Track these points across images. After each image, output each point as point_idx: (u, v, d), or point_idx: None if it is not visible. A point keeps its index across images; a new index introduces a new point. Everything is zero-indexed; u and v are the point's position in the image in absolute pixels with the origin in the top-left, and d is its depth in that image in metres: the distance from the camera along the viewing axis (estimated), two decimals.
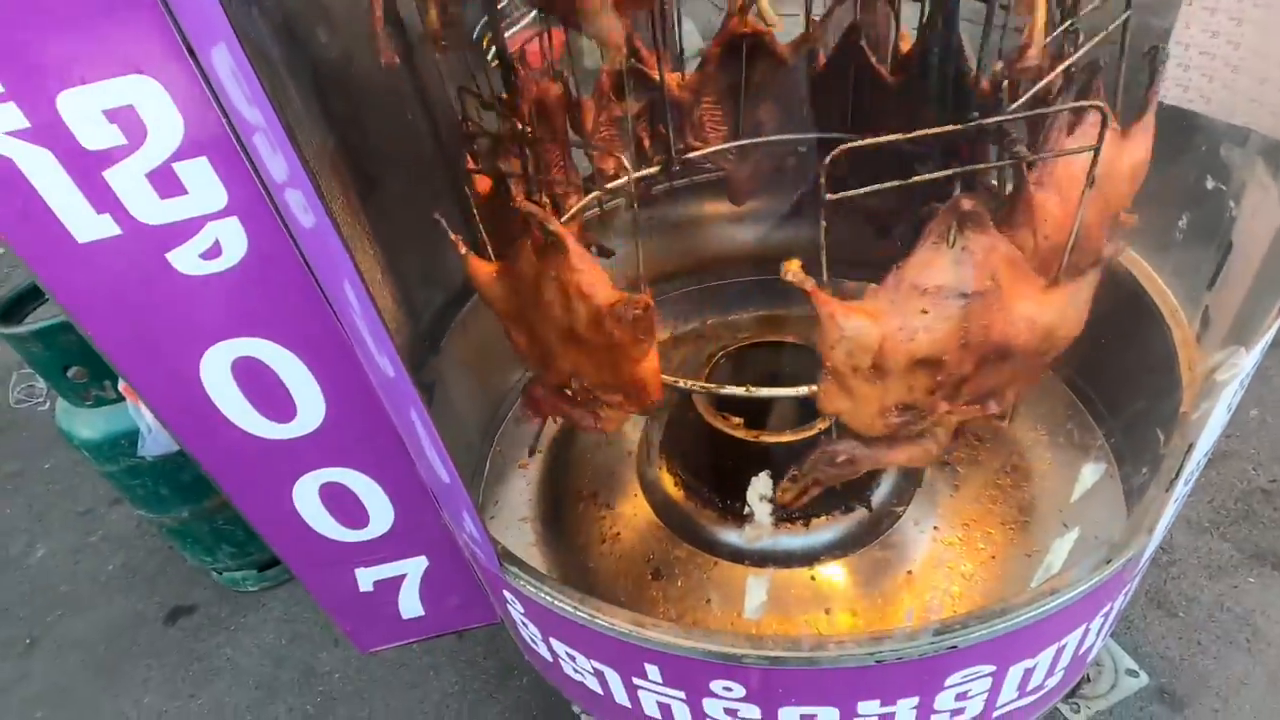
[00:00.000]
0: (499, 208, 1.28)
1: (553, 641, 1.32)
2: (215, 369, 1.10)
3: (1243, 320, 1.19)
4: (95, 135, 0.87)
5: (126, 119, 0.86)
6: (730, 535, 1.51)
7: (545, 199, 1.36)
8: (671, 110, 1.46)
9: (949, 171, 0.93)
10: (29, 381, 3.30)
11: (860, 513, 1.50)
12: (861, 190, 0.92)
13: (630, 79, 1.44)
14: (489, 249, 1.23)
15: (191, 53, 0.81)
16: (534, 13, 1.30)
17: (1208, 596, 2.07)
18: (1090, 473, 1.58)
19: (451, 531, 1.37)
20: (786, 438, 1.38)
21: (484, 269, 1.19)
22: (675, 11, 1.55)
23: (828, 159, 0.92)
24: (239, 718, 2.15)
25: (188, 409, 1.13)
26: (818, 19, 1.45)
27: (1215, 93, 1.26)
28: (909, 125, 0.93)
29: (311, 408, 1.17)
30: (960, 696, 1.19)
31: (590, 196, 1.44)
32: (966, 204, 0.90)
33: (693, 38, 1.92)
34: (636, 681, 1.24)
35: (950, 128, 0.96)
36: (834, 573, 1.47)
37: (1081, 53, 1.08)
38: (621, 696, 1.31)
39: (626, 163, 1.13)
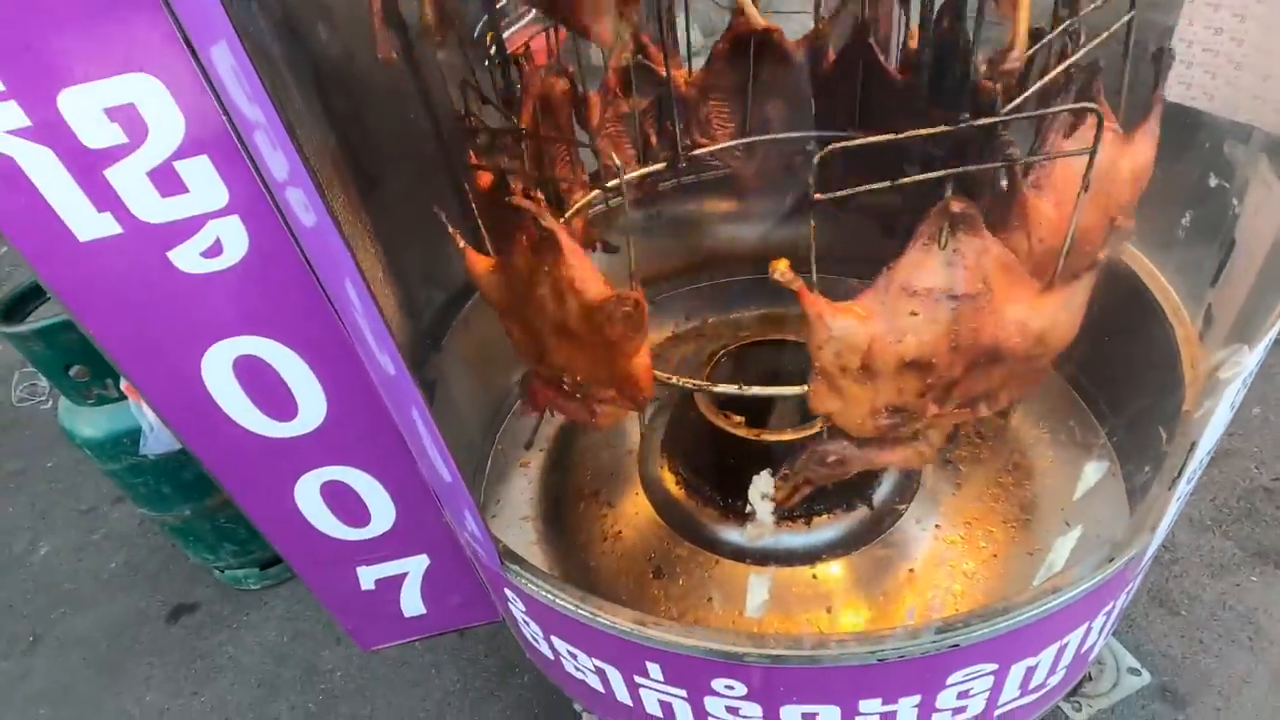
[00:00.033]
0: (499, 203, 1.28)
1: (554, 640, 1.32)
2: (217, 367, 1.10)
3: (1246, 318, 1.19)
4: (96, 134, 0.87)
5: (127, 117, 0.86)
6: (732, 534, 1.51)
7: (541, 195, 1.35)
8: (678, 107, 1.46)
9: (942, 173, 0.92)
10: (31, 380, 3.30)
11: (862, 511, 1.50)
12: (850, 191, 0.91)
13: (637, 75, 1.44)
14: (487, 244, 1.23)
15: (192, 51, 0.81)
16: (534, 11, 1.30)
17: (1210, 595, 2.07)
18: (1092, 471, 1.58)
19: (453, 530, 1.37)
20: (788, 436, 1.38)
21: (481, 263, 1.20)
22: (684, 8, 1.54)
23: (816, 159, 0.91)
24: (241, 716, 2.16)
25: (189, 407, 1.14)
26: (826, 17, 1.44)
27: (1218, 89, 1.26)
28: (916, 124, 0.93)
29: (313, 406, 1.18)
30: (962, 695, 1.19)
31: (590, 196, 1.44)
32: (957, 206, 0.90)
33: (693, 35, 1.92)
34: (638, 680, 1.24)
35: (940, 129, 0.95)
36: (836, 571, 1.47)
37: (1082, 53, 1.08)
38: (623, 695, 1.31)
39: (618, 160, 1.13)
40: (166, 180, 0.91)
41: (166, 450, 2.02)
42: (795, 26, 1.50)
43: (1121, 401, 1.61)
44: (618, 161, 1.13)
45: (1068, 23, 1.11)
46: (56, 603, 2.54)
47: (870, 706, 1.18)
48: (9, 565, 2.70)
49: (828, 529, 1.49)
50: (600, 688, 1.33)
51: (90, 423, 2.04)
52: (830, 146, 0.92)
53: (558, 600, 1.19)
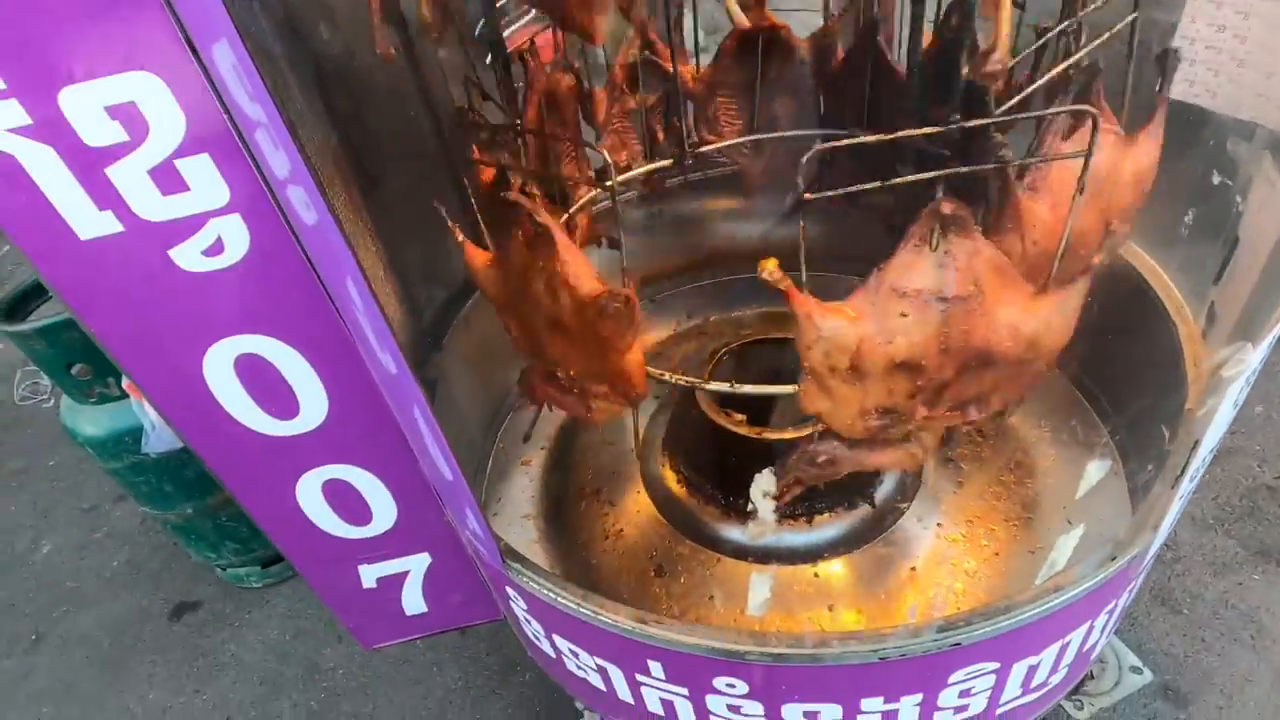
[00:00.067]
0: (497, 198, 1.28)
1: (556, 638, 1.32)
2: (218, 366, 1.10)
3: (1249, 316, 1.19)
4: (97, 132, 0.87)
5: (128, 115, 0.86)
6: (733, 532, 1.51)
7: (536, 191, 1.35)
8: (685, 103, 1.46)
9: (934, 174, 0.91)
10: (33, 379, 3.30)
11: (863, 509, 1.50)
12: (842, 191, 0.91)
13: (644, 71, 1.43)
14: (486, 238, 1.24)
15: (193, 49, 0.81)
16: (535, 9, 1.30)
17: (1212, 593, 2.06)
18: (1095, 469, 1.57)
19: (454, 528, 1.37)
20: (789, 434, 1.38)
21: (480, 257, 1.20)
22: (692, 5, 1.54)
23: (805, 159, 0.91)
24: (243, 714, 2.16)
25: (191, 406, 1.14)
26: (836, 14, 1.44)
27: (1221, 87, 1.25)
28: (924, 123, 0.92)
29: (314, 405, 1.18)
30: (964, 693, 1.19)
31: (591, 194, 1.44)
32: (947, 207, 0.89)
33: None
34: (639, 678, 1.24)
35: (930, 129, 0.94)
36: (837, 569, 1.47)
37: (1081, 54, 1.07)
38: (624, 693, 1.31)
39: (610, 159, 1.13)
40: (167, 179, 0.91)
41: (168, 449, 2.02)
42: (795, 25, 1.49)
43: (1124, 400, 1.61)
44: (610, 160, 1.12)
45: (1065, 23, 1.10)
46: (59, 601, 2.55)
47: (872, 705, 1.18)
48: (11, 564, 2.70)
49: (829, 527, 1.48)
50: (602, 686, 1.33)
51: (92, 421, 2.04)
52: (818, 147, 0.91)
53: (559, 599, 1.19)
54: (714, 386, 1.18)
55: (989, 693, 1.22)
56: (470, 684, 2.12)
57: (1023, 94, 1.01)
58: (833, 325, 0.96)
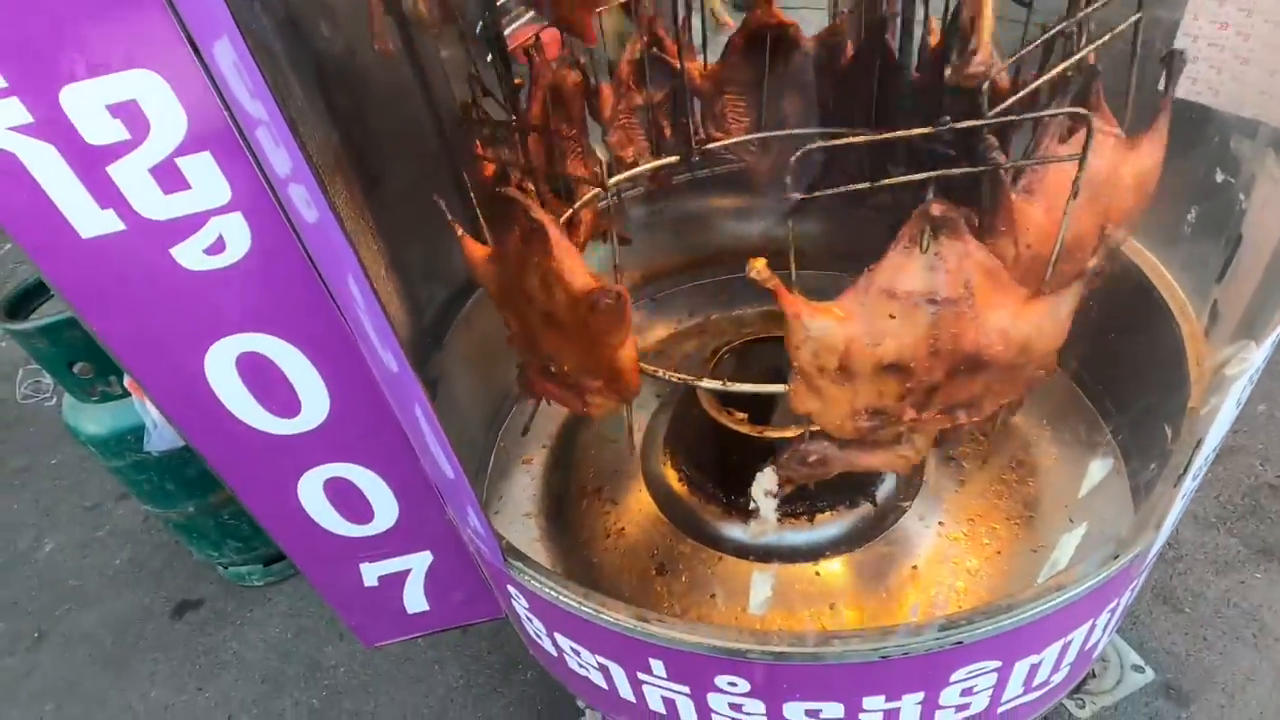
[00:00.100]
0: (496, 194, 1.29)
1: (557, 636, 1.32)
2: (220, 364, 1.10)
3: (1252, 314, 1.18)
4: (99, 130, 0.87)
5: (130, 114, 0.86)
6: (735, 530, 1.51)
7: (532, 187, 1.36)
8: (692, 100, 1.45)
9: (924, 175, 0.91)
10: (35, 377, 3.31)
11: (865, 508, 1.50)
12: (828, 192, 0.91)
13: (652, 67, 1.43)
14: (486, 233, 1.24)
15: (194, 47, 0.81)
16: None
17: (1214, 592, 2.06)
18: (1097, 468, 1.57)
19: (456, 527, 1.37)
20: (791, 433, 1.38)
21: (478, 251, 1.21)
22: (700, 2, 1.53)
23: (793, 159, 0.91)
24: (245, 711, 2.16)
25: (193, 404, 1.14)
26: (845, 11, 1.43)
27: (1224, 85, 1.25)
28: (928, 122, 0.92)
29: (316, 403, 1.18)
30: (965, 692, 1.19)
31: (590, 195, 1.44)
32: (937, 209, 0.89)
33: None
34: (641, 676, 1.24)
35: (920, 130, 0.93)
36: (839, 568, 1.47)
37: (1080, 55, 1.06)
38: (626, 691, 1.31)
39: (604, 157, 1.13)
40: (169, 177, 0.91)
41: (170, 447, 2.02)
42: (804, 22, 1.49)
43: (1126, 398, 1.60)
44: (605, 161, 1.13)
45: (1062, 24, 1.10)
46: (61, 599, 2.55)
47: (874, 703, 1.18)
48: (14, 562, 2.71)
49: (831, 526, 1.48)
50: (603, 684, 1.33)
51: (94, 420, 2.04)
52: (807, 147, 0.91)
53: (561, 597, 1.19)
54: (706, 384, 1.19)
55: (991, 691, 1.22)
56: (472, 682, 2.12)
57: (1017, 95, 1.00)
58: (820, 325, 0.96)
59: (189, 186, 0.92)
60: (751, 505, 1.43)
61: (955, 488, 1.57)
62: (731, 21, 1.39)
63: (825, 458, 1.15)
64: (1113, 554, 1.13)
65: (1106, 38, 1.07)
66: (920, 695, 1.17)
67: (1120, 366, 1.58)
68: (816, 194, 0.91)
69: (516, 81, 1.38)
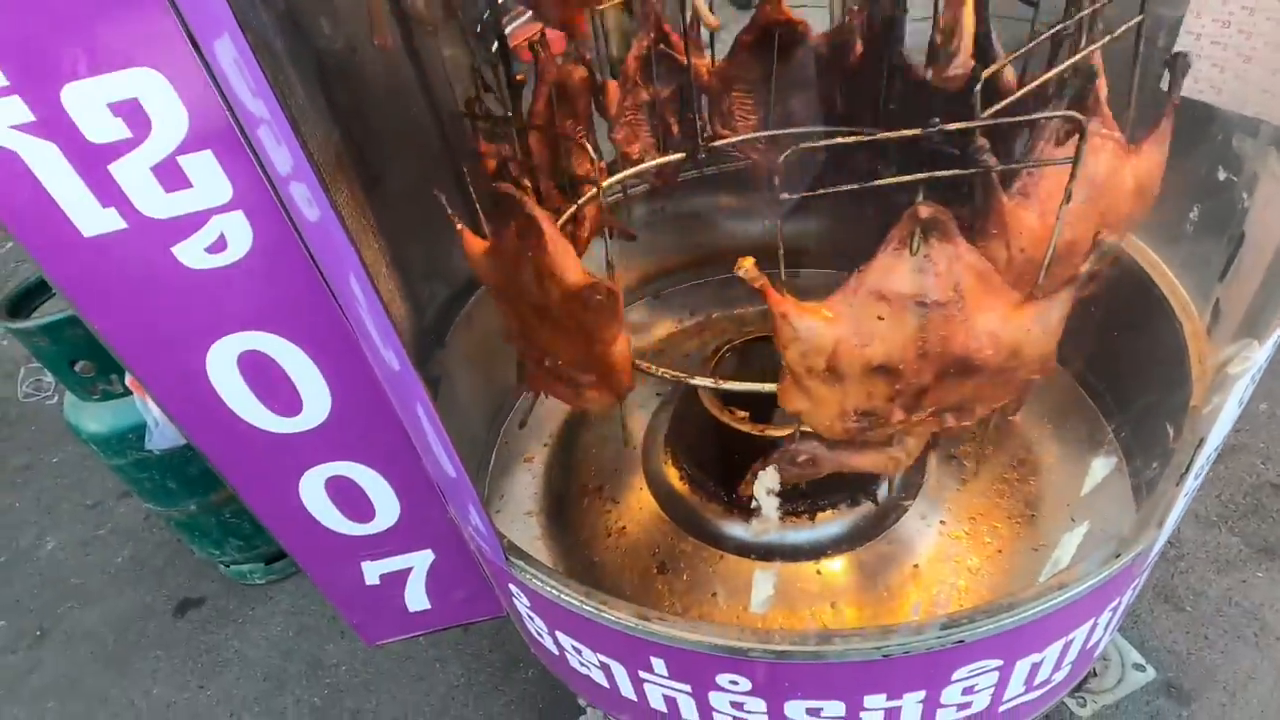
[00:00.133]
0: (493, 189, 1.29)
1: (559, 635, 1.32)
2: (221, 363, 1.10)
3: (1254, 313, 1.18)
4: (100, 128, 0.87)
5: (131, 112, 0.86)
6: (736, 529, 1.51)
7: (528, 182, 1.36)
8: (700, 97, 1.45)
9: (913, 177, 0.90)
10: (37, 376, 3.31)
11: (866, 506, 1.50)
12: (821, 191, 0.91)
13: (659, 64, 1.43)
14: (485, 227, 1.25)
15: (195, 45, 0.81)
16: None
17: (1215, 591, 2.06)
18: (1099, 467, 1.57)
19: (457, 525, 1.37)
20: (791, 431, 1.38)
21: (477, 244, 1.21)
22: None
23: (781, 158, 0.91)
24: (247, 709, 2.17)
25: (194, 403, 1.14)
26: (855, 9, 1.43)
27: (1226, 83, 1.24)
28: (939, 120, 0.91)
29: (317, 402, 1.18)
30: (967, 691, 1.19)
31: (591, 194, 1.44)
32: (925, 211, 0.88)
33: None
34: (642, 675, 1.25)
35: (909, 132, 0.93)
36: (840, 567, 1.47)
37: (1080, 56, 1.06)
38: (627, 690, 1.31)
39: (592, 152, 1.14)
40: (170, 175, 0.91)
41: (172, 445, 2.02)
42: (809, 20, 1.48)
43: (1128, 397, 1.60)
44: (594, 156, 1.13)
45: (1058, 26, 1.09)
46: (63, 597, 2.56)
47: (875, 702, 1.18)
48: (16, 560, 2.71)
49: (832, 524, 1.48)
50: (605, 683, 1.34)
51: (96, 418, 2.04)
52: (796, 147, 0.91)
53: (562, 596, 1.19)
54: (697, 381, 1.19)
55: (992, 690, 1.22)
56: (473, 680, 2.13)
57: (1012, 98, 1.00)
58: (808, 325, 0.96)
59: (190, 185, 0.92)
60: (753, 504, 1.44)
61: (957, 486, 1.57)
62: (717, 22, 1.38)
63: (815, 458, 1.15)
64: (1114, 553, 1.13)
65: (1105, 40, 1.06)
66: (922, 694, 1.17)
67: (1122, 365, 1.58)
68: (805, 194, 0.91)
69: (519, 77, 1.38)
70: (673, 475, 1.62)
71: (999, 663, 1.16)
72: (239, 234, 0.98)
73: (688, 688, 1.22)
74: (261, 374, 1.12)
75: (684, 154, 1.49)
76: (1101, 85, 1.09)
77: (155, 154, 0.89)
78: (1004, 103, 0.97)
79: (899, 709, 1.19)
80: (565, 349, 1.20)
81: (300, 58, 1.14)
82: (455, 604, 1.57)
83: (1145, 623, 2.01)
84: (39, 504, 2.90)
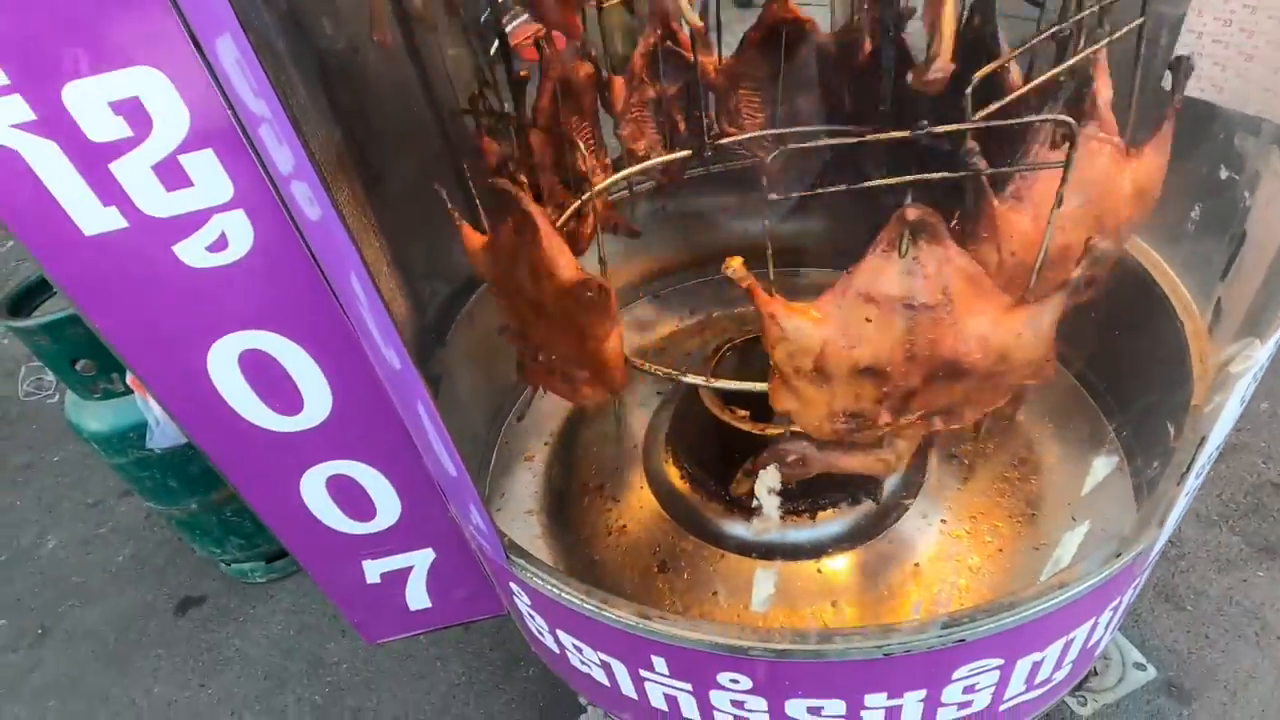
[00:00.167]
0: (490, 184, 1.29)
1: (559, 633, 1.33)
2: (222, 362, 1.10)
3: (1256, 312, 1.18)
4: (101, 127, 0.87)
5: (132, 111, 0.86)
6: (737, 528, 1.51)
7: (525, 178, 1.36)
8: (706, 94, 1.45)
9: (900, 179, 0.90)
10: (38, 374, 3.31)
11: (867, 505, 1.50)
12: (805, 193, 0.91)
13: (666, 61, 1.43)
14: (484, 222, 1.25)
15: (197, 44, 0.81)
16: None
17: (1216, 590, 2.06)
18: (1100, 466, 1.57)
19: (458, 524, 1.37)
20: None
21: (476, 239, 1.22)
22: None
23: (769, 159, 0.91)
24: (248, 707, 2.17)
25: (195, 402, 1.14)
26: (863, 8, 1.42)
27: (1228, 82, 1.24)
28: (945, 120, 0.91)
29: (318, 400, 1.18)
30: (968, 689, 1.19)
31: (595, 191, 1.44)
32: (913, 214, 0.88)
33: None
34: (643, 673, 1.25)
35: (897, 134, 0.92)
36: (841, 565, 1.47)
37: (1078, 58, 1.05)
38: (628, 688, 1.31)
39: (584, 150, 1.14)
40: (171, 174, 0.91)
41: (173, 444, 2.02)
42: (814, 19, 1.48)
43: (1129, 396, 1.60)
44: (588, 156, 1.13)
45: (1055, 27, 1.08)
46: (64, 596, 2.56)
47: (875, 701, 1.18)
48: (17, 558, 2.71)
49: (833, 523, 1.48)
50: (605, 681, 1.34)
51: (97, 417, 2.04)
52: (783, 148, 0.91)
53: (563, 594, 1.19)
54: (690, 379, 1.19)
55: (993, 689, 1.22)
56: (474, 679, 2.13)
57: (1005, 100, 0.99)
58: (796, 325, 0.96)
59: (191, 184, 0.92)
60: (754, 502, 1.44)
61: (958, 485, 1.57)
62: (701, 24, 1.38)
63: (805, 458, 1.16)
64: (1115, 552, 1.13)
65: (1105, 42, 1.06)
66: (922, 693, 1.17)
67: (1123, 364, 1.58)
68: (793, 195, 0.91)
69: (523, 74, 1.38)
70: (673, 474, 1.62)
71: (1000, 662, 1.16)
72: (240, 233, 0.98)
73: (688, 686, 1.22)
74: (262, 373, 1.12)
75: (690, 151, 1.48)
76: (1102, 87, 1.09)
77: (156, 153, 0.89)
78: (995, 106, 0.96)
79: (900, 708, 1.19)
80: (560, 344, 1.21)
81: (302, 57, 1.14)
82: (456, 602, 1.57)
83: (1146, 622, 2.02)
84: (40, 502, 2.90)
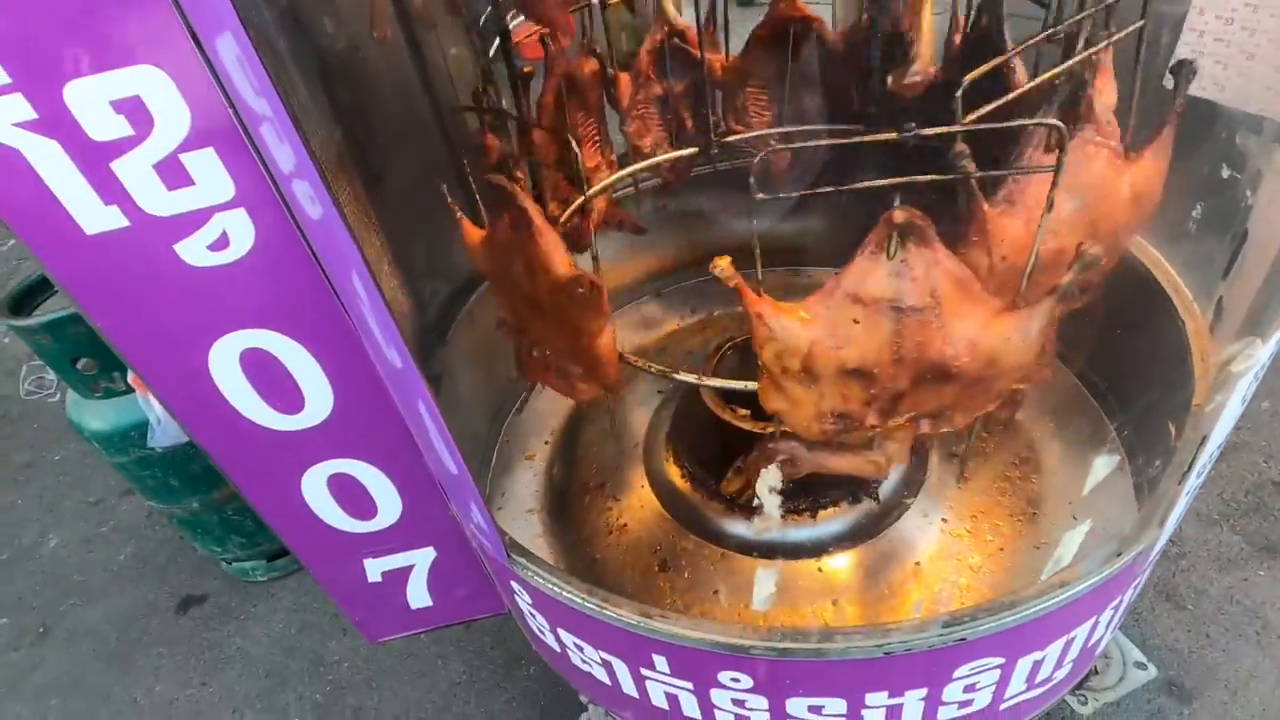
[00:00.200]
0: (489, 180, 1.30)
1: (560, 632, 1.33)
2: (223, 361, 1.10)
3: (1258, 311, 1.18)
4: (102, 126, 0.87)
5: (133, 110, 0.86)
6: (738, 527, 1.51)
7: (521, 176, 1.36)
8: (712, 92, 1.44)
9: (888, 181, 0.89)
10: (39, 373, 3.32)
11: (868, 504, 1.50)
12: (796, 194, 0.91)
13: (673, 58, 1.42)
14: (485, 218, 1.26)
15: (197, 43, 0.81)
16: None
17: (1217, 589, 2.06)
18: (1101, 465, 1.57)
19: (459, 523, 1.37)
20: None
21: (475, 233, 1.23)
22: None
23: (757, 159, 0.91)
24: (249, 706, 2.17)
25: (196, 400, 1.14)
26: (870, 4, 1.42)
27: (1230, 80, 1.24)
28: (950, 120, 0.91)
29: (319, 399, 1.18)
30: (968, 688, 1.19)
31: (583, 199, 1.43)
32: (900, 216, 0.87)
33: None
34: (644, 672, 1.25)
35: (885, 135, 0.92)
36: (842, 564, 1.47)
37: (1075, 60, 1.05)
38: (629, 687, 1.31)
39: (581, 150, 1.14)
40: (172, 173, 0.91)
41: (174, 443, 2.03)
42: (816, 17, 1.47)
43: (1130, 395, 1.60)
44: (590, 155, 1.14)
45: (1051, 30, 1.08)
46: (66, 594, 2.56)
47: (876, 700, 1.18)
48: (18, 557, 2.72)
49: (834, 522, 1.48)
50: (606, 680, 1.34)
51: (98, 415, 2.05)
52: (773, 148, 0.91)
53: (564, 593, 1.19)
54: (682, 377, 1.20)
55: (993, 688, 1.22)
56: (475, 678, 2.13)
57: (997, 103, 0.98)
58: (783, 326, 0.96)
59: (193, 183, 0.92)
60: (755, 501, 1.44)
61: (958, 484, 1.57)
62: (685, 23, 1.38)
63: (794, 457, 1.16)
64: (1116, 551, 1.13)
65: (1104, 44, 1.06)
66: (923, 691, 1.17)
67: (1124, 363, 1.58)
68: (781, 195, 0.91)
69: (527, 70, 1.38)
70: (674, 473, 1.62)
71: (1000, 660, 1.16)
72: (241, 232, 0.98)
73: (689, 685, 1.22)
74: (264, 371, 1.12)
75: (696, 149, 1.48)
76: (1103, 90, 1.08)
77: (157, 152, 0.89)
78: (986, 109, 0.96)
79: (900, 706, 1.19)
80: (555, 340, 1.21)
81: (303, 55, 1.14)
82: (457, 601, 1.57)
83: (1147, 621, 2.02)
84: (41, 502, 2.91)
